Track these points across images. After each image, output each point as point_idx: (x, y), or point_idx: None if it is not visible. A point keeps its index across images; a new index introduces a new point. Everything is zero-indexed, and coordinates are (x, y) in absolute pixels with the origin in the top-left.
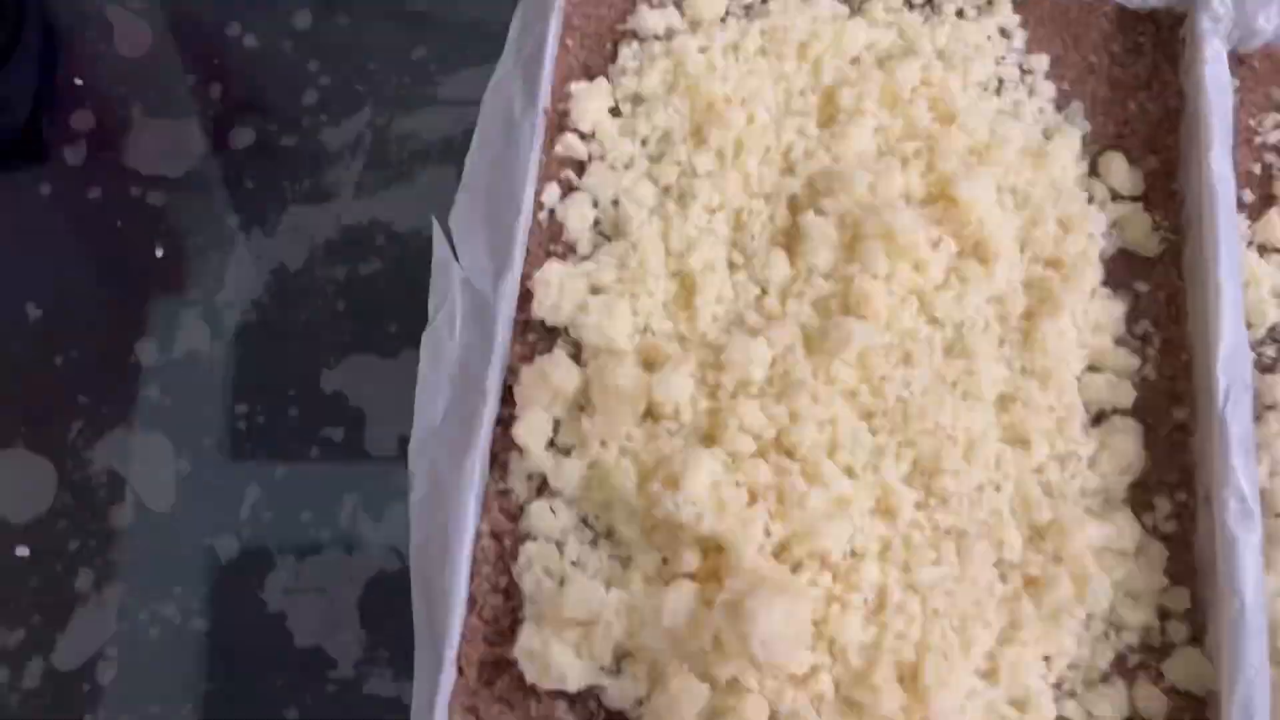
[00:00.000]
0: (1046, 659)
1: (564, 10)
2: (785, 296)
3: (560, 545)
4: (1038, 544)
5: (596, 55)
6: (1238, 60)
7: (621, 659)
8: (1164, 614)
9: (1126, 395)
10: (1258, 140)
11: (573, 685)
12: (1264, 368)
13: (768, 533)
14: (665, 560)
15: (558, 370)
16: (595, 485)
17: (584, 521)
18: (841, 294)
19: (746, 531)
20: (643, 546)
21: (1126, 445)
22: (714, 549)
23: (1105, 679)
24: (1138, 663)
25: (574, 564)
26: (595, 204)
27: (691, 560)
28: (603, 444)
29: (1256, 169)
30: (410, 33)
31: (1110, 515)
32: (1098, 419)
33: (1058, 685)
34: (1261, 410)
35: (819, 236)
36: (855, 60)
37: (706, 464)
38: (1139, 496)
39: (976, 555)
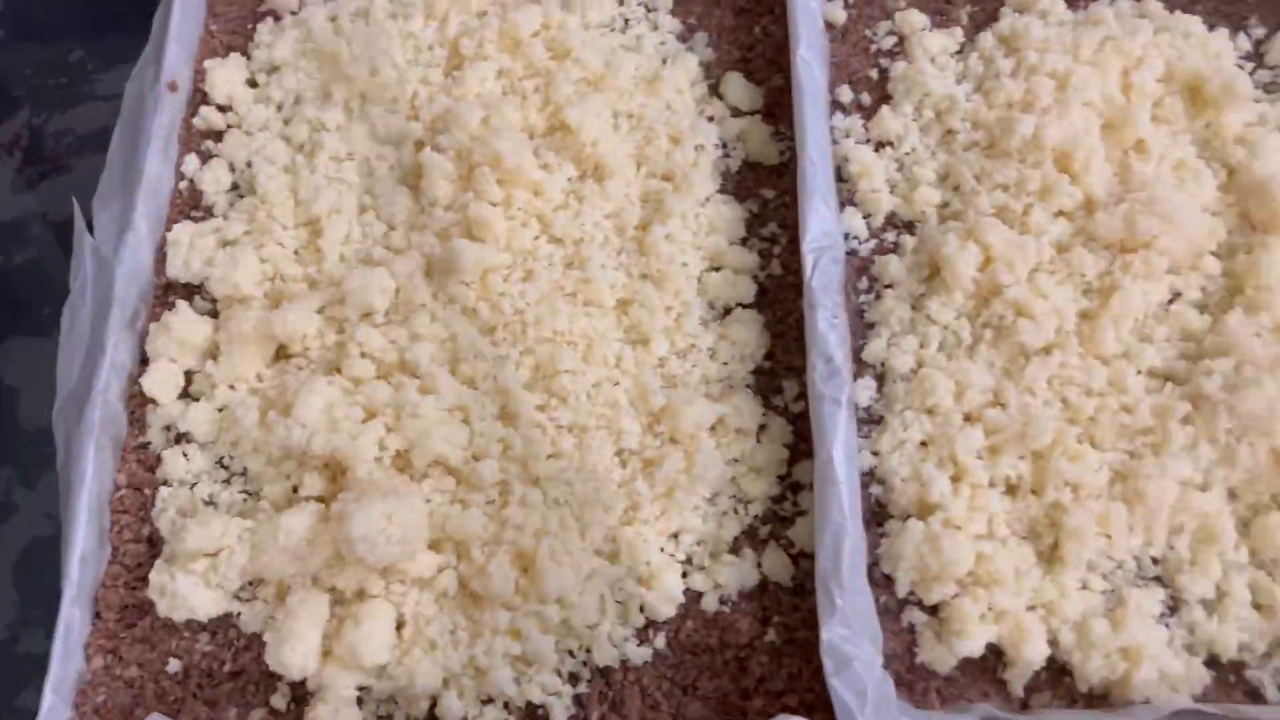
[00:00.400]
0: (675, 537)
1: None
2: (410, 230)
3: (193, 487)
4: (655, 429)
5: (240, 36)
6: None
7: (256, 586)
8: (795, 487)
9: (748, 291)
10: (873, 48)
11: (203, 614)
12: (883, 250)
13: (383, 446)
14: (295, 489)
15: (180, 322)
16: (226, 427)
17: (219, 463)
18: (463, 222)
19: (359, 446)
20: (271, 477)
21: (747, 335)
22: (340, 471)
23: (734, 550)
24: (768, 533)
25: (206, 502)
26: (232, 169)
27: (316, 484)
28: (231, 387)
29: (874, 74)
30: (67, 38)
31: (729, 398)
32: (725, 314)
33: (688, 560)
34: (881, 289)
35: (437, 171)
36: (481, 14)
37: (321, 390)
38: (767, 381)
39: (595, 446)
